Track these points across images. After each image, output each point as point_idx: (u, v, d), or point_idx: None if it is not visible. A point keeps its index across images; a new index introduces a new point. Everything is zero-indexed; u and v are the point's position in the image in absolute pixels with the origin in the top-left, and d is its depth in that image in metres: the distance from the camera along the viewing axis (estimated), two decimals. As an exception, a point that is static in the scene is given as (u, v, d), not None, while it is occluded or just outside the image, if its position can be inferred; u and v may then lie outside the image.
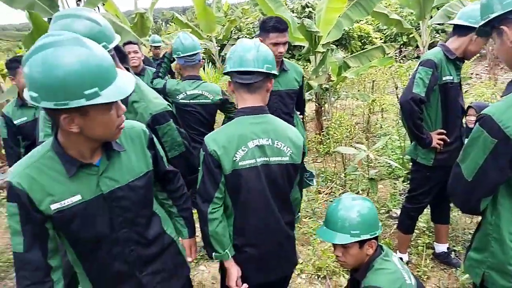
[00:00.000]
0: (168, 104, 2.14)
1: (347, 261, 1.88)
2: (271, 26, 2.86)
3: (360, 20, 12.98)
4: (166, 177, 1.76)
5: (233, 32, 13.72)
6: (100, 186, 1.40)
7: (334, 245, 1.90)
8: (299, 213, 2.23)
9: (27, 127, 3.34)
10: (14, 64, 3.31)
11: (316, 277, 3.27)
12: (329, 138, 5.25)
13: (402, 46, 13.70)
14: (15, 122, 3.34)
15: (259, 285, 1.97)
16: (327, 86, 6.07)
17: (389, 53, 6.18)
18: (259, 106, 1.84)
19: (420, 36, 7.30)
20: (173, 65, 3.71)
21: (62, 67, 1.15)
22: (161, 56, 3.64)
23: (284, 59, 3.10)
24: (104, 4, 8.02)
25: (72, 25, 1.67)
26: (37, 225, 1.36)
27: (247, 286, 1.90)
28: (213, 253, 1.87)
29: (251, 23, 13.80)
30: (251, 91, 1.83)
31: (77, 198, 1.37)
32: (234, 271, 1.89)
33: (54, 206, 1.34)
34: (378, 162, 4.62)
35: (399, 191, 4.47)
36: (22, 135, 3.38)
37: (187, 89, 3.26)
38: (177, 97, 3.27)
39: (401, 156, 4.87)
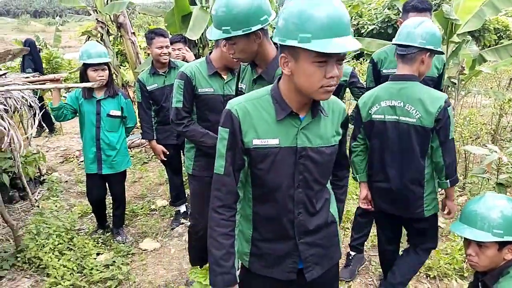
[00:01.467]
0: None
1: (480, 262, 1.75)
2: (411, 6, 2.88)
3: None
4: (340, 162, 1.74)
5: (353, 17, 13.31)
6: (297, 139, 1.47)
7: (468, 243, 1.78)
8: (447, 181, 2.33)
9: (157, 92, 3.70)
10: (150, 35, 3.65)
11: (425, 276, 3.13)
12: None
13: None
14: (148, 87, 3.69)
15: (388, 215, 2.53)
16: (455, 80, 5.61)
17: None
18: (405, 75, 2.29)
19: None
20: None
21: (296, 7, 1.29)
22: None
23: None
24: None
25: None
26: (238, 153, 1.49)
27: (373, 209, 2.58)
28: (352, 174, 2.42)
29: (374, 9, 13.24)
30: (404, 61, 2.29)
31: (275, 141, 1.46)
32: (363, 192, 2.59)
33: (255, 142, 1.46)
34: (510, 167, 4.18)
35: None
36: (153, 100, 3.73)
37: None
38: None
39: (537, 165, 4.33)
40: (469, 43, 5.53)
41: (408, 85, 2.25)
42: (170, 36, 4.14)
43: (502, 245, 1.69)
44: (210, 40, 5.81)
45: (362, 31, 12.64)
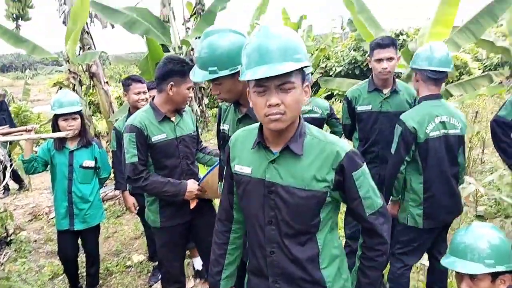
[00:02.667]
0: None
1: (475, 297, 1.70)
2: (375, 43, 3.00)
3: (457, 49, 12.32)
4: (363, 225, 1.50)
5: (321, 60, 13.79)
6: (266, 172, 1.46)
7: (461, 277, 1.72)
8: (464, 178, 2.84)
9: None
10: (127, 81, 3.61)
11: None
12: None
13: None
14: None
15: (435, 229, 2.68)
16: (425, 115, 5.75)
17: (497, 82, 5.68)
18: (437, 94, 2.59)
19: (531, 65, 6.68)
20: None
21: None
22: None
23: (398, 80, 3.15)
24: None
25: (219, 40, 1.80)
26: (228, 176, 1.63)
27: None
28: (390, 195, 2.68)
29: (341, 52, 13.78)
30: (436, 84, 2.56)
31: (248, 170, 1.51)
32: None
33: (236, 168, 1.55)
34: (487, 199, 4.23)
35: (509, 231, 4.02)
36: None
37: None
38: None
39: (512, 194, 4.41)
40: (434, 79, 5.72)
41: (442, 102, 2.59)
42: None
43: (494, 276, 1.65)
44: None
45: (330, 73, 13.07)
